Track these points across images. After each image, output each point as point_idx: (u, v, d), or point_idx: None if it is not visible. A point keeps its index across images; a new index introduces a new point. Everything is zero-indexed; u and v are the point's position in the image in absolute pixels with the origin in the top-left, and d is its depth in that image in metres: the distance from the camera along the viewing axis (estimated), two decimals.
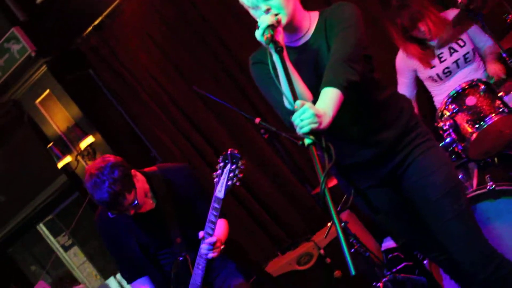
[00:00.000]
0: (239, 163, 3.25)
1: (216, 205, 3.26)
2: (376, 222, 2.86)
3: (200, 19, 5.74)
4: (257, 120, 4.20)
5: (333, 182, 4.53)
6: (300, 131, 2.21)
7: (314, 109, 2.22)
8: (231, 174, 3.24)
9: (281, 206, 6.10)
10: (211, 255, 3.30)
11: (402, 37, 4.31)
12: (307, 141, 2.19)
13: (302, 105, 2.22)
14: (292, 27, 2.67)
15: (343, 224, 4.28)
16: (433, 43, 4.30)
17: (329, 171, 2.11)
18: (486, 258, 2.76)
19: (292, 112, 2.50)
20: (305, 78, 2.56)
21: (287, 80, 2.33)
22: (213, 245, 3.29)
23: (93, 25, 5.88)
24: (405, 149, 2.77)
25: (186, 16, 5.78)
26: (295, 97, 2.28)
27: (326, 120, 2.29)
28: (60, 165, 6.37)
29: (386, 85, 2.85)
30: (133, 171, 3.37)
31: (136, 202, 3.30)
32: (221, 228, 3.50)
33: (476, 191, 3.43)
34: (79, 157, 6.28)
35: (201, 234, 3.31)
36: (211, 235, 3.29)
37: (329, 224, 5.14)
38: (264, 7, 2.54)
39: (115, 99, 6.27)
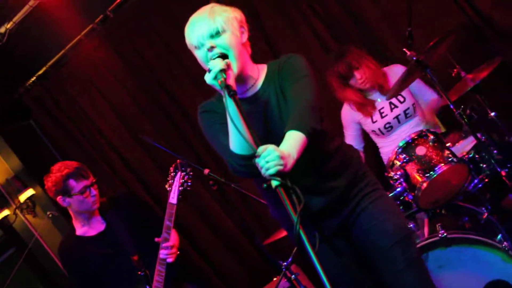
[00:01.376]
0: (188, 170, 3.78)
1: (171, 211, 3.69)
2: (333, 270, 2.82)
3: (147, 69, 5.74)
4: (206, 171, 4.19)
5: (281, 234, 4.52)
6: (266, 173, 2.20)
7: (278, 151, 2.23)
8: (182, 181, 3.76)
9: (226, 260, 6.01)
10: (169, 259, 3.66)
11: (340, 84, 4.42)
12: (274, 183, 2.18)
13: (265, 149, 2.22)
14: (241, 78, 2.67)
15: (293, 276, 4.24)
16: (372, 95, 4.41)
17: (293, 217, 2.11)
18: None
19: (243, 157, 2.53)
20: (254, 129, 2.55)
21: (245, 124, 2.33)
22: (170, 249, 3.67)
23: (36, 74, 5.79)
24: (355, 198, 2.78)
25: (132, 66, 5.77)
26: (255, 140, 2.28)
27: (291, 162, 2.29)
28: None
29: (334, 136, 2.89)
30: None
31: (94, 183, 3.77)
32: (175, 236, 3.83)
33: (428, 239, 3.47)
34: (17, 211, 6.05)
35: (157, 239, 3.69)
36: (167, 239, 3.67)
37: (275, 278, 5.09)
38: (208, 44, 2.55)
39: (57, 150, 6.13)
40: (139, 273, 3.71)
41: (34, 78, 5.81)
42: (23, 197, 5.99)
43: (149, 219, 3.97)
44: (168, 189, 3.77)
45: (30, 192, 6.00)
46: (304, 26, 5.30)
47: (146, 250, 3.77)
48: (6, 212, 6.13)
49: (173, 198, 3.72)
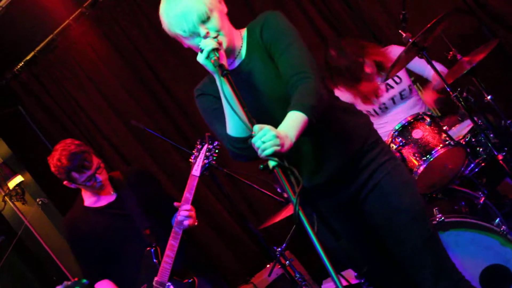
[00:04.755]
0: (215, 144, 3.68)
1: (192, 182, 3.56)
2: (336, 249, 2.75)
3: (136, 53, 5.69)
4: None
5: (274, 220, 4.47)
6: (262, 153, 2.14)
7: (275, 131, 2.16)
8: (208, 153, 3.66)
9: (218, 248, 5.98)
10: (187, 222, 3.48)
11: (348, 83, 4.35)
12: (271, 163, 2.11)
13: (261, 128, 2.16)
14: (229, 50, 2.57)
15: (287, 262, 4.21)
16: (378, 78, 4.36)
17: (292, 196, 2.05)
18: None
19: (241, 140, 2.48)
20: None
21: (240, 104, 2.25)
22: (188, 212, 3.49)
23: (24, 60, 5.72)
24: (368, 169, 2.65)
25: (121, 51, 5.72)
26: (250, 119, 2.22)
27: (288, 143, 2.21)
28: None
29: (338, 100, 2.80)
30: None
31: (100, 167, 3.65)
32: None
33: None
34: (6, 198, 5.98)
35: (176, 204, 3.58)
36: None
37: (268, 265, 5.06)
38: (204, 31, 2.45)
39: (46, 136, 6.07)
40: (149, 248, 3.58)
41: (22, 63, 5.75)
42: (12, 184, 5.93)
43: (161, 196, 3.87)
44: (192, 161, 3.66)
45: (19, 178, 5.94)
46: (295, 9, 5.24)
47: (157, 225, 3.68)
48: None
49: (196, 171, 3.60)
